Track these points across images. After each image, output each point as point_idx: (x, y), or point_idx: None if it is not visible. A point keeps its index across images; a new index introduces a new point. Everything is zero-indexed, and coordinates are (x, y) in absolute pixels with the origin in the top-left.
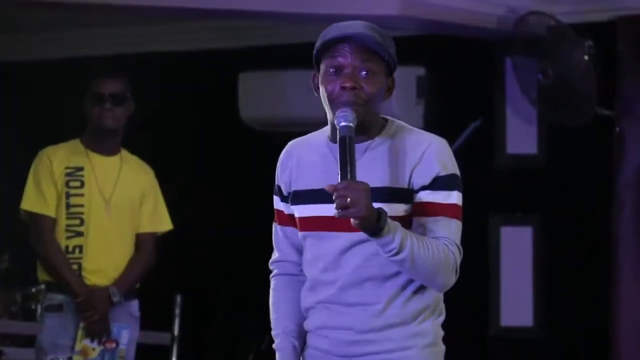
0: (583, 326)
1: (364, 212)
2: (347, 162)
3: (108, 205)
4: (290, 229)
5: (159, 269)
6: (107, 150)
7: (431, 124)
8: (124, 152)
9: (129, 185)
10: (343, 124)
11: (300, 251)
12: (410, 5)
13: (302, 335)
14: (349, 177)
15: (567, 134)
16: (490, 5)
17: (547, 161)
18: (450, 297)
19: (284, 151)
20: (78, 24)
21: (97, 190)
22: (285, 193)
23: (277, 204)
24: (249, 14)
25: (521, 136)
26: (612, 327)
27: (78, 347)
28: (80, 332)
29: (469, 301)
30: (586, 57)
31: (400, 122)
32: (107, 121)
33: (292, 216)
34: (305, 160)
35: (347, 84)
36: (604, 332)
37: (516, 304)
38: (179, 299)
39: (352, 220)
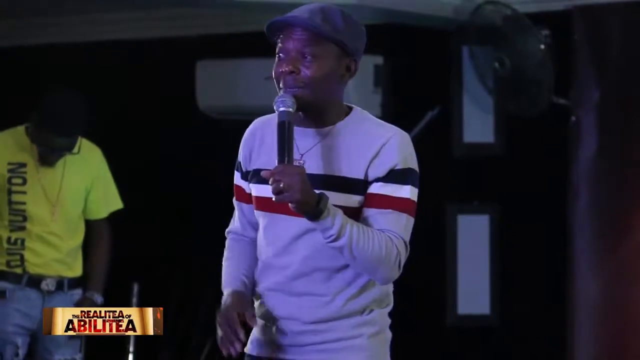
0: (539, 314)
1: (298, 196)
2: (284, 147)
3: (54, 207)
4: (246, 206)
5: (116, 258)
6: None
7: (388, 113)
8: None
9: (76, 179)
10: (282, 109)
11: (255, 228)
12: None
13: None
14: (285, 161)
15: (523, 122)
16: None
17: (504, 150)
18: (408, 286)
19: (249, 128)
20: (39, 11)
21: (41, 190)
22: (244, 169)
23: (237, 180)
24: (205, 0)
25: (478, 125)
26: (568, 315)
27: None
28: None
29: (426, 289)
30: (542, 47)
31: (365, 112)
32: (50, 157)
33: (249, 194)
34: (266, 140)
35: (285, 68)
36: (560, 320)
37: (473, 292)
38: (136, 287)
39: (289, 204)
